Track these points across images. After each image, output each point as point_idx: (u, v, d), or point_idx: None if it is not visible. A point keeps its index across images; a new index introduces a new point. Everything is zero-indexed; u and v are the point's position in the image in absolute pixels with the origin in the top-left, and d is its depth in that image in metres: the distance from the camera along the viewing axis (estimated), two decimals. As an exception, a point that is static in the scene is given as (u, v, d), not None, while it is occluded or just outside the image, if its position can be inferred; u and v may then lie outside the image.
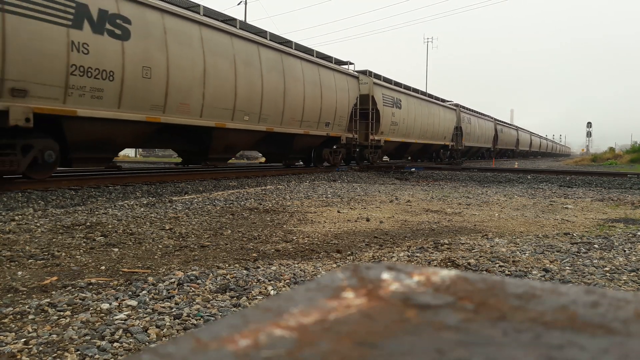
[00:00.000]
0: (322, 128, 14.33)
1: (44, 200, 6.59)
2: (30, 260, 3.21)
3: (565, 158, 60.03)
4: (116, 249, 3.63)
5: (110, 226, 4.51)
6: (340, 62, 15.95)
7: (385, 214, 5.84)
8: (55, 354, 1.72)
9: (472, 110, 31.94)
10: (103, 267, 3.12)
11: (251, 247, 3.81)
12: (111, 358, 1.71)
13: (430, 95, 24.57)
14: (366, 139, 17.11)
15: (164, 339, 1.88)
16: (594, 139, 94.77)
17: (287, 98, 12.48)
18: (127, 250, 3.64)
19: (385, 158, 21.84)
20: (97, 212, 5.37)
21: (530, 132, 62.66)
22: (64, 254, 3.42)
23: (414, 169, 15.25)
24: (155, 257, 3.44)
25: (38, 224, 4.47)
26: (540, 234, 4.37)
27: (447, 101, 27.83)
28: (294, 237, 4.22)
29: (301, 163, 16.13)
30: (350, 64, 16.58)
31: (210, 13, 10.61)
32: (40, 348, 1.78)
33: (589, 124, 56.28)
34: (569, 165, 29.06)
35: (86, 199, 6.96)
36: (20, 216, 4.95)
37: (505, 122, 45.80)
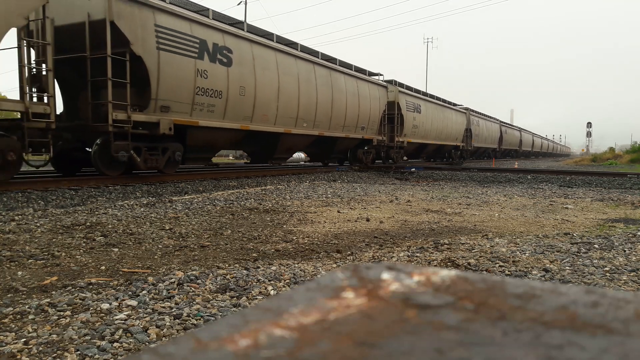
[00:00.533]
0: (358, 132, 16.77)
1: (44, 200, 6.60)
2: (30, 260, 3.21)
3: (565, 158, 60.05)
4: (116, 249, 3.63)
5: (110, 226, 4.51)
6: (372, 74, 18.23)
7: (385, 214, 5.84)
8: (55, 354, 1.72)
9: (480, 113, 33.71)
10: (103, 267, 3.12)
11: (251, 247, 3.81)
12: (111, 358, 1.71)
13: (444, 100, 26.30)
14: (391, 141, 19.35)
15: (164, 339, 1.88)
16: (594, 139, 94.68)
17: (334, 107, 14.97)
18: (127, 250, 3.64)
19: (404, 158, 23.16)
20: (97, 212, 5.37)
21: (532, 133, 63.18)
22: (64, 254, 3.42)
23: (414, 169, 15.27)
24: (155, 257, 3.44)
25: (38, 224, 4.48)
26: (540, 234, 4.37)
27: (458, 105, 29.39)
28: (294, 237, 4.22)
29: (337, 163, 18.19)
30: (380, 75, 18.84)
31: (280, 39, 13.03)
32: (40, 348, 1.78)
33: (589, 124, 56.20)
34: (569, 165, 29.09)
35: (86, 199, 6.96)
36: (20, 216, 4.96)
37: (509, 124, 47.79)
